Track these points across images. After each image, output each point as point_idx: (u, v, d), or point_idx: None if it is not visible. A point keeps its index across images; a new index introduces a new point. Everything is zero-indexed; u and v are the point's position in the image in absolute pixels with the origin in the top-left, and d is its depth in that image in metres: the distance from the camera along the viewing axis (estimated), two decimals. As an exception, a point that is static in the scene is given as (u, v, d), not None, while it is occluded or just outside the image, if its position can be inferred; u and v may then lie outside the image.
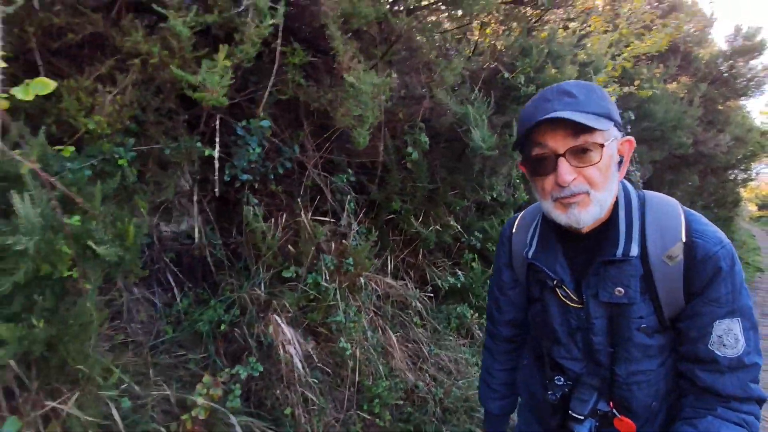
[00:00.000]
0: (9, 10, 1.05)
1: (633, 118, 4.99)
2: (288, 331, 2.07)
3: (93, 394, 1.48)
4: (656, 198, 0.98)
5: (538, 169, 0.92)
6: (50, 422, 1.40)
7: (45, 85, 1.00)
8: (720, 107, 6.86)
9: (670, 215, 0.94)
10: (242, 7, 1.47)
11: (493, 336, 1.30)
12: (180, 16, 1.36)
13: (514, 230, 1.17)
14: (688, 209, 0.96)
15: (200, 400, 1.59)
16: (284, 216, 2.61)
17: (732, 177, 10.86)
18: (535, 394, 1.16)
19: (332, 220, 2.69)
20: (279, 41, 1.64)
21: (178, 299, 2.29)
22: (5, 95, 1.00)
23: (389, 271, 3.10)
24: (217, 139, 1.91)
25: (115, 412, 1.53)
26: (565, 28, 2.81)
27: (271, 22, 1.50)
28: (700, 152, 6.62)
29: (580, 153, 0.87)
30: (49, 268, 1.15)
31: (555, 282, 1.01)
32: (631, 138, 0.95)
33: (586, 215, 0.90)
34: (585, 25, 2.76)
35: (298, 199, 2.64)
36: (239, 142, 2.06)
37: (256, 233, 2.34)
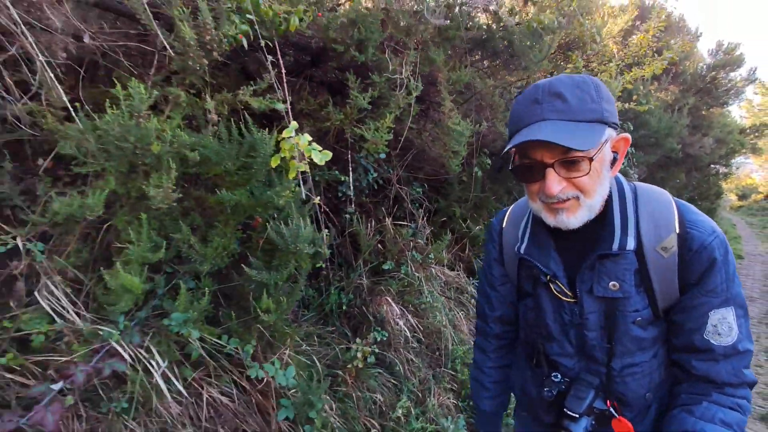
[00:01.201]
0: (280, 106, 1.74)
1: (632, 128, 5.79)
2: (396, 308, 2.79)
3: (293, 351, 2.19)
4: (648, 190, 0.97)
5: (526, 176, 0.90)
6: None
7: (327, 155, 1.70)
8: (704, 113, 7.74)
9: (662, 207, 0.93)
10: (398, 88, 2.18)
11: (485, 333, 1.27)
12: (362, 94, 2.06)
13: (504, 225, 1.14)
14: (679, 200, 0.96)
15: (359, 354, 2.30)
16: (372, 221, 3.32)
17: (714, 172, 11.84)
18: (529, 391, 1.14)
19: (408, 223, 3.41)
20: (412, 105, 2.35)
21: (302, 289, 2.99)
22: (306, 161, 1.70)
23: (445, 264, 3.84)
24: (351, 168, 2.61)
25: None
26: (586, 66, 3.55)
27: (415, 95, 2.21)
28: (687, 153, 7.48)
29: (569, 164, 0.84)
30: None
31: (548, 277, 0.99)
32: (627, 135, 0.93)
33: (575, 220, 0.89)
34: (603, 65, 3.48)
35: (382, 207, 3.36)
36: (359, 168, 2.76)
37: (360, 235, 3.05)
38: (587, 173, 0.84)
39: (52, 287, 1.56)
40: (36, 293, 1.55)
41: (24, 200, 1.59)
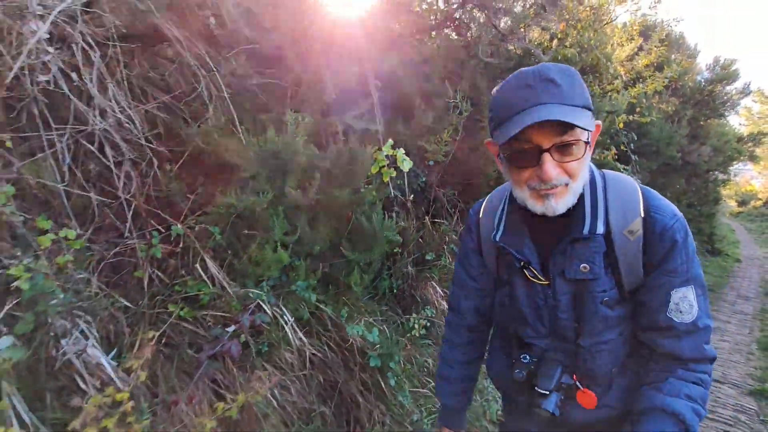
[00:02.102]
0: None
1: (635, 138, 6.33)
2: (440, 291, 3.32)
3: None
4: (616, 177, 1.01)
5: (519, 161, 0.90)
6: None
7: (410, 163, 2.23)
8: (702, 124, 8.30)
9: (629, 193, 0.96)
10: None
11: (456, 327, 1.28)
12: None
13: (481, 215, 1.16)
14: (644, 186, 1.00)
15: (416, 325, 2.83)
16: (414, 219, 3.85)
17: (713, 178, 12.34)
18: (503, 374, 1.17)
19: (444, 221, 3.94)
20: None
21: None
22: (393, 169, 2.23)
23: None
24: (405, 174, 3.15)
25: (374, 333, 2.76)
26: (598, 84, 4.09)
27: (465, 115, 2.74)
28: (686, 161, 8.02)
29: (564, 148, 0.86)
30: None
31: (522, 263, 1.02)
32: (599, 122, 0.95)
33: (562, 204, 0.91)
34: (610, 83, 4.02)
35: (422, 207, 3.89)
36: (411, 173, 3.29)
37: (408, 230, 3.57)
38: (581, 157, 0.87)
39: (208, 261, 2.10)
40: (197, 266, 2.08)
41: (185, 196, 2.13)
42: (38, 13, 1.50)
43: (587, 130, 0.86)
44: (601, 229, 0.93)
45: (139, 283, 1.98)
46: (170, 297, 2.02)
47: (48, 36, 1.52)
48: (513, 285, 1.07)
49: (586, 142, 0.87)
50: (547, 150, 0.85)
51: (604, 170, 1.04)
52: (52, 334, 1.58)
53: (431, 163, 3.10)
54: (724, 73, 8.15)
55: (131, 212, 1.85)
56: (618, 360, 1.03)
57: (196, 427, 1.67)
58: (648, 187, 0.99)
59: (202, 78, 1.87)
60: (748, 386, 4.13)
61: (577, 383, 1.01)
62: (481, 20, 2.37)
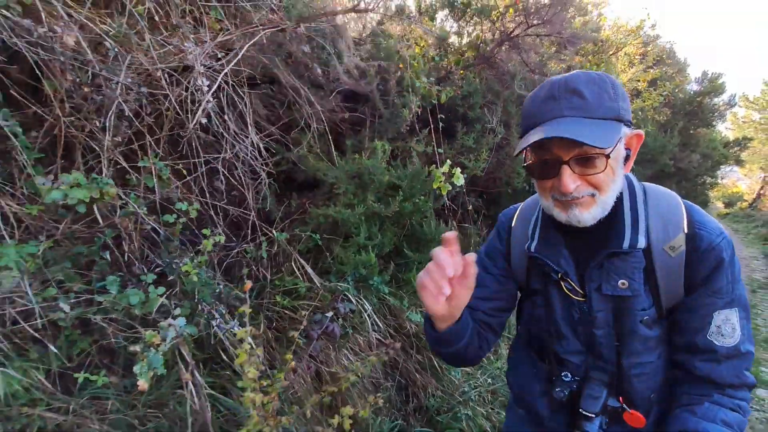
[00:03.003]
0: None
1: (633, 147, 6.91)
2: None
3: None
4: (657, 190, 0.98)
5: (540, 172, 0.90)
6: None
7: (458, 177, 2.71)
8: (692, 132, 8.92)
9: (671, 207, 0.93)
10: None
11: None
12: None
13: (513, 223, 1.12)
14: (687, 201, 0.95)
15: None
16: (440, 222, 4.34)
17: (701, 182, 13.06)
18: (530, 390, 1.11)
19: (470, 226, 4.44)
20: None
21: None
22: (449, 183, 2.72)
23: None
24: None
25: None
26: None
27: (500, 137, 3.24)
28: (678, 167, 8.63)
29: (584, 161, 0.84)
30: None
31: (560, 275, 0.98)
32: (641, 132, 0.92)
33: (588, 216, 0.88)
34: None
35: (449, 212, 4.39)
36: (445, 184, 3.79)
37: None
38: (603, 170, 0.84)
39: (301, 261, 2.56)
40: (292, 264, 2.55)
41: (279, 209, 2.59)
42: (201, 71, 1.97)
43: (602, 147, 0.79)
44: (642, 243, 0.90)
45: (248, 278, 2.44)
46: (273, 290, 2.48)
47: (207, 86, 1.99)
48: (549, 296, 1.03)
49: (607, 156, 0.83)
50: (566, 162, 0.84)
51: (645, 183, 1.00)
52: (205, 315, 2.03)
53: (465, 176, 3.59)
54: (712, 86, 8.79)
55: (250, 222, 2.31)
56: (656, 385, 0.98)
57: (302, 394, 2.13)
58: (692, 203, 0.96)
59: (305, 113, 2.35)
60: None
61: (623, 405, 0.96)
62: (516, 58, 2.86)
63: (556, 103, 0.83)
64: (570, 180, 0.84)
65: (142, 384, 1.55)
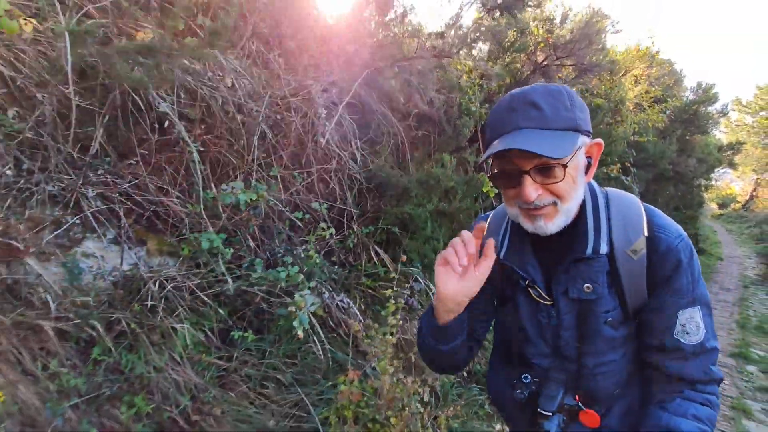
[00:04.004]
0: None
1: (635, 153, 7.55)
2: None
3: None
4: (619, 195, 1.01)
5: (503, 181, 0.93)
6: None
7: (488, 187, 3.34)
8: (689, 139, 9.60)
9: (632, 211, 0.96)
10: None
11: None
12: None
13: (485, 232, 1.11)
14: (648, 205, 0.99)
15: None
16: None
17: (697, 184, 13.73)
18: (503, 394, 1.14)
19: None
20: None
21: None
22: (495, 188, 3.35)
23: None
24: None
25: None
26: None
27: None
28: (676, 171, 9.30)
29: (544, 170, 0.86)
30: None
31: (527, 282, 1.01)
32: (600, 141, 0.95)
33: (552, 225, 0.91)
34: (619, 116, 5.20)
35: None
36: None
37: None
38: (562, 179, 0.87)
39: (378, 250, 3.17)
40: (372, 252, 3.16)
41: (357, 209, 3.21)
42: (321, 102, 2.58)
43: (559, 157, 0.83)
44: (604, 248, 0.93)
45: (341, 264, 3.06)
46: (356, 272, 3.09)
47: (325, 114, 2.60)
48: (516, 303, 1.06)
49: (565, 166, 0.86)
50: (527, 172, 0.87)
51: (607, 188, 1.04)
52: (317, 293, 2.63)
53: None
54: (706, 96, 9.48)
55: (345, 218, 2.93)
56: (621, 381, 1.01)
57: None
58: (652, 206, 0.99)
59: (386, 132, 2.98)
60: (729, 350, 5.32)
61: (580, 404, 1.00)
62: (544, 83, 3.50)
63: (515, 114, 0.87)
64: (531, 189, 0.87)
65: (300, 334, 2.15)
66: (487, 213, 1.19)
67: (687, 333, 0.92)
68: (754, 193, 26.59)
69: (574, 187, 0.90)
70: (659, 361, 0.96)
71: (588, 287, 0.94)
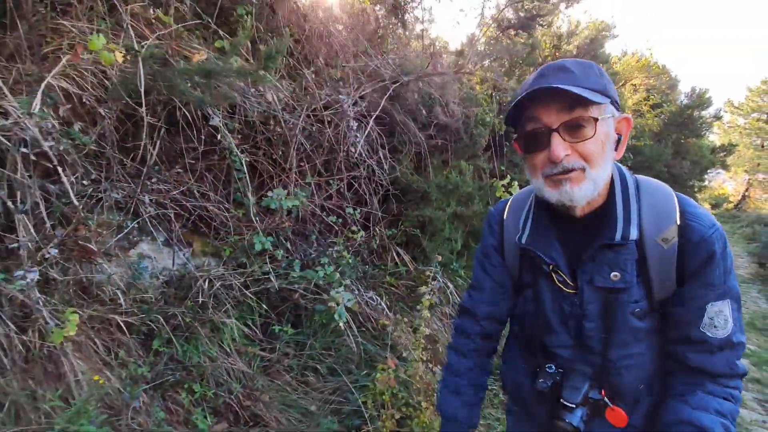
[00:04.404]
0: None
1: (632, 157, 7.85)
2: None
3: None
4: (650, 182, 0.98)
5: (531, 144, 0.90)
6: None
7: (515, 188, 3.60)
8: (683, 142, 9.93)
9: (664, 198, 0.93)
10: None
11: (469, 333, 1.20)
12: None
13: (505, 216, 1.12)
14: (680, 194, 0.95)
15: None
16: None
17: (690, 185, 14.12)
18: (522, 384, 1.12)
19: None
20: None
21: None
22: (507, 192, 3.60)
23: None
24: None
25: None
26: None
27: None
28: (671, 173, 9.62)
29: (574, 128, 0.84)
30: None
31: (551, 267, 0.98)
32: (629, 116, 0.94)
33: (579, 192, 0.87)
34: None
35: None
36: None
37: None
38: (592, 137, 0.84)
39: (399, 251, 3.41)
40: (393, 253, 3.39)
41: (381, 212, 3.44)
42: (351, 115, 2.82)
43: (596, 103, 0.82)
44: (634, 234, 0.90)
45: (364, 263, 3.30)
46: (380, 271, 3.33)
47: (356, 126, 2.84)
48: (538, 289, 1.03)
49: (596, 119, 0.84)
50: (556, 129, 0.84)
51: (637, 175, 1.01)
52: (349, 291, 2.86)
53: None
54: (700, 101, 9.82)
55: (371, 221, 3.17)
56: (646, 376, 0.98)
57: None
58: (684, 195, 0.95)
59: (408, 140, 3.22)
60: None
61: (606, 399, 0.97)
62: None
63: (545, 78, 0.86)
64: (560, 147, 0.84)
65: (341, 325, 2.38)
66: (506, 199, 1.17)
67: (715, 327, 0.88)
68: (746, 194, 27.05)
69: (603, 154, 0.87)
70: (683, 354, 0.93)
71: (616, 275, 0.91)
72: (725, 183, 30.95)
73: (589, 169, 0.86)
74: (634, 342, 0.95)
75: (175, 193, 2.61)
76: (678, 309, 0.92)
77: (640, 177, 0.99)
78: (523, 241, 1.02)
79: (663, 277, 0.91)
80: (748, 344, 5.80)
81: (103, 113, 2.39)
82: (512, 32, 3.46)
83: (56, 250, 1.90)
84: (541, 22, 3.56)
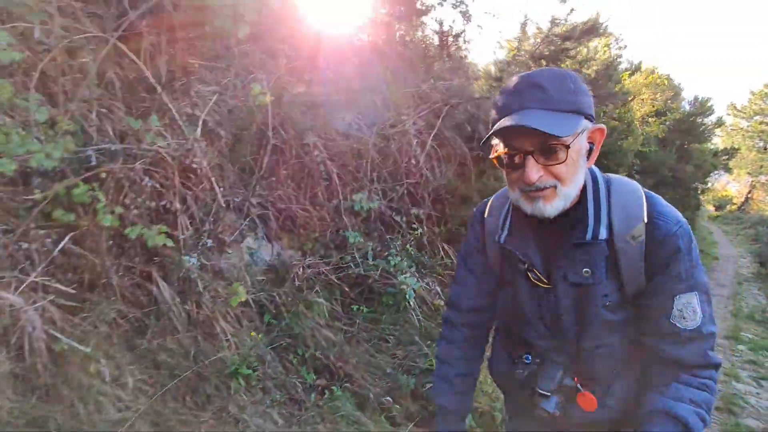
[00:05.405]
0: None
1: (639, 162, 8.43)
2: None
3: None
4: (620, 181, 1.02)
5: (508, 165, 0.95)
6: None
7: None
8: (686, 147, 10.51)
9: (633, 197, 0.97)
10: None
11: (455, 324, 1.26)
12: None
13: (486, 214, 1.17)
14: (649, 192, 1.00)
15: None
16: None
17: (694, 188, 14.63)
18: (504, 373, 1.20)
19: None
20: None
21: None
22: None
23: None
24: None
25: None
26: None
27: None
28: (675, 176, 10.19)
29: (547, 151, 0.88)
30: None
31: (526, 265, 1.03)
32: (603, 126, 0.97)
33: (551, 208, 0.92)
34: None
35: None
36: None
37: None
38: (564, 161, 0.88)
39: (444, 245, 4.00)
40: (438, 246, 3.99)
41: (433, 212, 4.04)
42: (413, 133, 3.44)
43: (563, 136, 0.84)
44: (604, 234, 0.95)
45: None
46: (431, 262, 3.93)
47: (417, 143, 3.45)
48: (516, 286, 1.09)
49: (568, 146, 0.87)
50: (531, 153, 0.88)
51: (610, 175, 1.05)
52: (413, 277, 3.46)
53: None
54: (702, 108, 10.38)
55: (424, 221, 3.78)
56: (619, 362, 1.04)
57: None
58: (653, 193, 1.00)
59: (458, 153, 3.83)
60: (723, 334, 6.17)
61: (578, 385, 1.02)
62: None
63: (520, 95, 0.89)
64: (534, 170, 0.89)
65: (411, 303, 2.98)
66: (488, 198, 1.22)
67: (684, 318, 0.92)
68: (749, 195, 27.44)
69: (575, 170, 0.92)
70: (656, 345, 0.97)
71: (587, 271, 0.96)
72: (728, 185, 31.33)
73: (561, 186, 0.92)
74: (608, 333, 1.01)
75: (272, 197, 3.22)
76: (649, 302, 0.97)
77: (612, 177, 1.04)
78: (502, 240, 1.08)
79: (632, 273, 0.96)
80: (747, 333, 6.36)
81: (222, 134, 3.00)
82: (543, 62, 4.03)
83: (211, 241, 2.50)
84: (570, 53, 4.13)
